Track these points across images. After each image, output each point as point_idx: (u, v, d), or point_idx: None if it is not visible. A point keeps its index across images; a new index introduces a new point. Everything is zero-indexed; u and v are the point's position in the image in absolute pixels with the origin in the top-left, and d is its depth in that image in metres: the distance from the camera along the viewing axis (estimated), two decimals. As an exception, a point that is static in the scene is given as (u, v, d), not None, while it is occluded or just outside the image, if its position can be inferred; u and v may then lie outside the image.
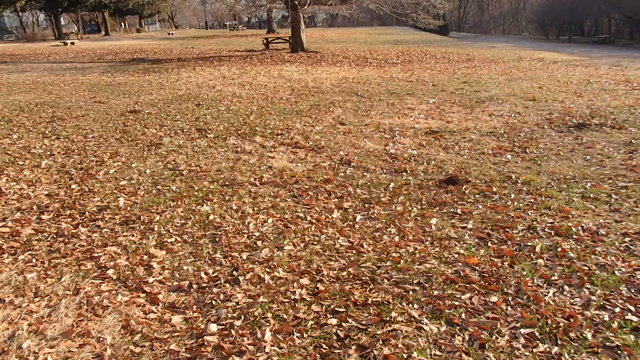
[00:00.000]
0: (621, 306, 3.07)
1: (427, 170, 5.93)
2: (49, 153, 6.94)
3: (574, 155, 6.48)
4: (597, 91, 12.06)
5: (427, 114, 9.52)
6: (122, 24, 73.99)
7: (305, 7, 25.15)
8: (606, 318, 2.96)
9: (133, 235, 4.22)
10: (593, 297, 3.18)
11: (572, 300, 3.16)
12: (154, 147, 7.13)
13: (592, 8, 53.28)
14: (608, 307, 3.07)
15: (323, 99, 11.23)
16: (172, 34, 59.22)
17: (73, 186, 5.51)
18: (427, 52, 25.38)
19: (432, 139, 7.45)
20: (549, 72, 16.53)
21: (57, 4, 43.59)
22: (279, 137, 7.69)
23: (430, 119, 9.01)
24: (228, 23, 74.83)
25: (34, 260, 3.79)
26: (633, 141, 7.07)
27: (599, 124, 8.24)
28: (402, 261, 3.70)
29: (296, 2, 24.17)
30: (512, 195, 5.03)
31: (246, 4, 30.36)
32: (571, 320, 2.93)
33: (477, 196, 5.05)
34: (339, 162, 6.35)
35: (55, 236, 4.23)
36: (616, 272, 3.49)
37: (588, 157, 6.40)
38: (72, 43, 37.56)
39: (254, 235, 4.21)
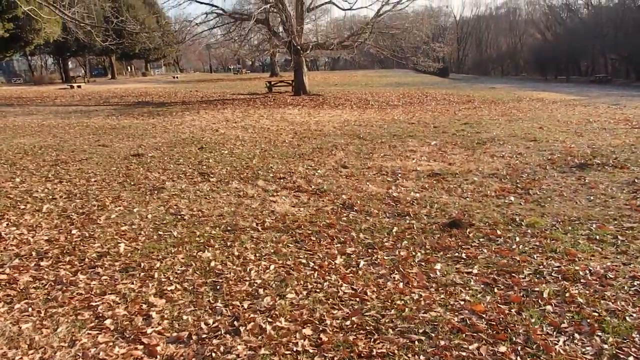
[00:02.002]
0: (635, 355, 2.97)
1: (430, 214, 5.88)
2: (50, 197, 6.93)
3: (578, 196, 6.43)
4: (598, 130, 12.09)
5: (429, 156, 9.52)
6: (129, 67, 75.29)
7: (308, 52, 25.55)
8: (619, 369, 2.86)
9: (132, 283, 4.15)
10: (605, 346, 3.08)
11: (583, 350, 3.06)
12: (156, 191, 7.11)
13: (589, 48, 54.12)
14: (621, 356, 2.98)
15: (325, 142, 11.27)
16: (177, 77, 60.17)
17: (74, 231, 5.47)
18: (427, 94, 25.64)
19: (435, 182, 7.42)
20: (548, 112, 16.64)
21: (66, 48, 44.41)
22: (282, 180, 7.68)
23: (432, 161, 9.00)
24: (232, 67, 76.15)
25: (30, 309, 3.72)
26: (636, 180, 7.03)
27: (601, 163, 8.22)
28: (407, 309, 3.62)
29: (299, 47, 24.57)
30: (517, 239, 4.96)
31: (250, 48, 30.86)
32: (582, 371, 2.84)
33: (481, 240, 4.99)
34: (341, 206, 6.30)
35: (53, 284, 4.16)
36: (627, 318, 3.40)
37: (592, 197, 6.35)
38: (79, 86, 38.14)
39: (256, 282, 4.14)
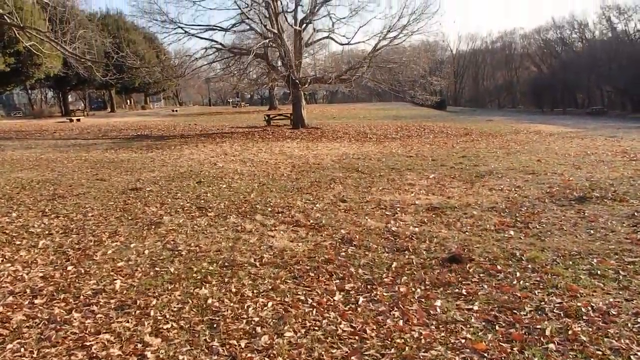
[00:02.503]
0: (640, 397, 2.91)
1: (429, 249, 5.83)
2: (47, 232, 6.87)
3: (578, 230, 6.40)
4: (595, 163, 12.14)
5: (427, 189, 9.51)
6: (128, 100, 75.76)
7: (306, 86, 25.80)
8: (625, 411, 2.79)
9: (128, 322, 4.08)
10: (609, 387, 3.02)
11: (587, 391, 2.99)
12: (153, 226, 7.07)
13: (584, 81, 54.79)
14: (626, 398, 2.91)
15: (324, 176, 11.27)
16: (176, 110, 60.55)
17: (69, 267, 5.41)
18: (425, 127, 25.80)
19: (434, 216, 7.39)
20: (546, 144, 16.72)
21: (66, 82, 44.78)
22: (280, 215, 7.64)
23: (431, 195, 8.99)
24: (231, 100, 76.71)
25: (22, 349, 3.64)
26: (636, 214, 7.01)
27: (600, 196, 8.21)
28: (407, 348, 3.55)
29: (297, 81, 24.81)
30: (518, 274, 4.91)
31: (249, 82, 31.18)
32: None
33: (481, 275, 4.94)
34: (340, 240, 6.26)
35: (47, 322, 4.09)
36: (632, 357, 3.34)
37: (592, 231, 6.32)
38: (78, 120, 38.33)
39: (254, 320, 4.07)
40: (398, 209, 7.88)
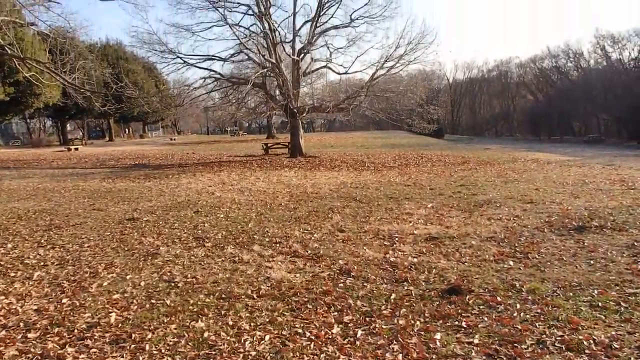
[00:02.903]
0: None
1: (428, 280, 5.78)
2: (42, 264, 6.81)
3: (577, 260, 6.35)
4: (594, 192, 12.13)
5: (425, 218, 9.48)
6: (127, 129, 76.13)
7: (304, 115, 25.94)
8: None
9: (123, 356, 4.01)
10: None
11: None
12: (150, 257, 7.01)
13: (580, 109, 55.15)
14: None
15: (322, 205, 11.24)
16: (175, 139, 60.79)
17: (64, 300, 5.34)
18: (423, 156, 25.87)
19: (432, 246, 7.34)
20: (544, 173, 16.74)
21: (65, 111, 45.01)
22: (278, 245, 7.59)
23: (430, 224, 8.95)
24: (229, 128, 77.03)
25: (15, 386, 3.57)
26: (636, 243, 6.97)
27: (599, 226, 8.18)
28: (406, 383, 3.48)
29: (295, 110, 24.97)
30: (518, 306, 4.86)
31: (247, 111, 31.36)
32: None
33: (481, 307, 4.88)
34: (338, 271, 6.20)
35: (40, 357, 4.02)
36: (635, 393, 3.28)
37: (592, 261, 6.28)
38: (76, 149, 38.39)
39: (251, 354, 4.00)
40: (396, 239, 7.84)
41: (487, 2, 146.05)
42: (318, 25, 26.58)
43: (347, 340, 4.25)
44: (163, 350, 4.09)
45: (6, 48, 15.99)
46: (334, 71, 28.96)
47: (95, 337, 4.37)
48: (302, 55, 26.94)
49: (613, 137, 51.80)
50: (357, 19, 26.23)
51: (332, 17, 26.72)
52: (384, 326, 4.50)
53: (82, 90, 18.09)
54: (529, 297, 5.07)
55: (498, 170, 18.08)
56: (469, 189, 13.29)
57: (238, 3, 25.46)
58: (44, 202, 12.59)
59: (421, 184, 14.52)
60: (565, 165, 19.28)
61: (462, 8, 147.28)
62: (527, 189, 12.95)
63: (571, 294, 5.14)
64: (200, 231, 8.75)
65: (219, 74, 26.01)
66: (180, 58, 24.10)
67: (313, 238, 8.02)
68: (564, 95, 56.69)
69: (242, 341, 4.24)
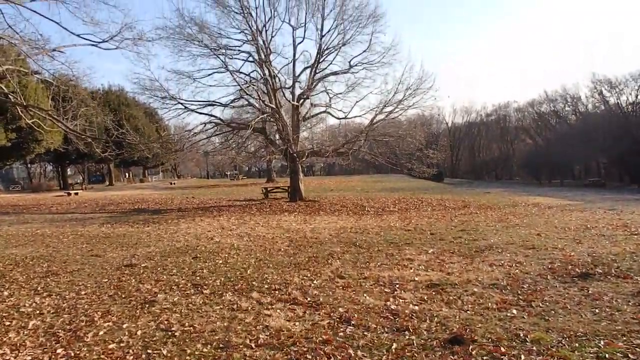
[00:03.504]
0: None
1: (430, 329, 5.67)
2: (38, 312, 6.70)
3: (582, 309, 6.25)
4: (596, 237, 12.06)
5: (426, 265, 9.39)
6: (127, 173, 76.40)
7: (304, 159, 26.06)
8: None
9: (116, 411, 3.89)
10: None
11: None
12: (147, 305, 6.90)
13: (580, 152, 55.41)
14: None
15: (321, 250, 11.15)
16: (174, 183, 60.93)
17: (59, 350, 5.23)
18: (423, 200, 25.86)
19: (434, 293, 7.24)
20: (545, 217, 16.69)
21: (66, 157, 45.24)
22: (277, 292, 7.49)
23: (431, 271, 8.86)
24: (229, 172, 77.35)
25: None
26: (641, 292, 6.88)
27: (603, 273, 8.09)
28: None
29: (295, 155, 25.09)
30: (522, 357, 4.75)
31: (247, 155, 31.53)
32: None
33: (485, 358, 4.77)
34: (338, 319, 6.10)
35: (32, 412, 3.90)
36: None
37: (597, 310, 6.18)
38: (76, 193, 38.40)
39: (248, 409, 3.89)
40: (397, 285, 7.74)
41: (484, 48, 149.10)
42: (317, 71, 27.00)
43: (348, 393, 4.14)
44: (158, 405, 3.98)
45: (10, 96, 16.18)
46: (333, 116, 29.29)
47: (89, 391, 4.26)
48: (302, 100, 27.26)
49: (614, 181, 51.90)
50: (356, 65, 26.67)
51: (331, 63, 27.12)
52: (385, 378, 4.39)
53: (83, 136, 18.21)
54: (534, 348, 4.97)
55: (499, 214, 18.03)
56: (469, 234, 13.22)
57: (239, 50, 25.96)
58: (42, 248, 12.51)
59: (422, 229, 14.45)
60: (567, 210, 19.24)
61: (459, 53, 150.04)
62: (529, 234, 12.88)
63: (577, 344, 5.04)
64: (198, 277, 8.65)
65: (220, 119, 26.25)
66: (182, 104, 24.37)
67: (313, 285, 7.93)
68: (563, 139, 57.14)
69: (240, 394, 4.13)
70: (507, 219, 16.40)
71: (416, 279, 8.21)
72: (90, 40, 16.58)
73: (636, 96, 55.41)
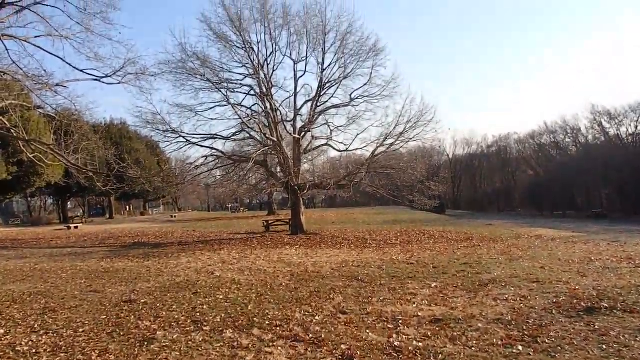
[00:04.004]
0: None
1: (435, 367, 5.54)
2: (34, 351, 6.58)
3: (589, 345, 6.13)
4: (601, 270, 11.92)
5: (430, 299, 9.26)
6: (127, 207, 76.36)
7: (305, 192, 26.04)
8: None
9: None
10: None
11: None
12: (146, 343, 6.77)
13: (582, 183, 55.29)
14: None
15: (323, 285, 11.02)
16: (175, 216, 60.85)
17: (54, 392, 5.10)
18: (425, 232, 25.74)
19: (437, 329, 7.11)
20: (548, 250, 16.56)
21: (66, 190, 45.25)
22: (278, 329, 7.36)
23: (434, 305, 8.73)
24: (230, 205, 77.26)
25: None
26: (648, 327, 6.75)
27: (609, 307, 7.96)
28: None
29: (296, 187, 25.07)
30: (531, 396, 4.62)
31: (248, 188, 31.51)
32: None
33: (492, 397, 4.64)
34: (340, 357, 5.97)
35: None
36: None
37: (604, 346, 6.05)
38: (76, 227, 38.26)
39: None
40: (400, 321, 7.61)
41: (483, 80, 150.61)
42: (319, 104, 27.19)
43: None
44: None
45: (12, 130, 16.26)
46: (334, 148, 29.33)
47: None
48: (303, 133, 27.39)
49: (617, 212, 51.60)
50: (356, 98, 26.85)
51: (332, 96, 27.32)
52: (390, 420, 4.26)
53: (84, 170, 18.22)
54: (542, 386, 4.84)
55: (502, 247, 17.90)
56: (473, 267, 13.08)
57: (240, 84, 26.21)
58: (40, 283, 12.37)
59: (424, 262, 14.32)
60: (570, 242, 19.10)
61: (460, 85, 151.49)
62: (533, 267, 12.74)
63: (585, 382, 4.91)
64: (198, 314, 8.52)
65: (221, 152, 26.36)
66: (183, 137, 24.52)
67: (314, 320, 7.80)
68: (564, 170, 57.06)
69: None
70: (510, 252, 16.26)
71: (419, 314, 8.08)
72: (94, 75, 16.80)
73: (636, 127, 55.58)
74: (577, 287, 9.81)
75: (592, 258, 14.07)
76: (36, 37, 15.84)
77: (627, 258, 13.87)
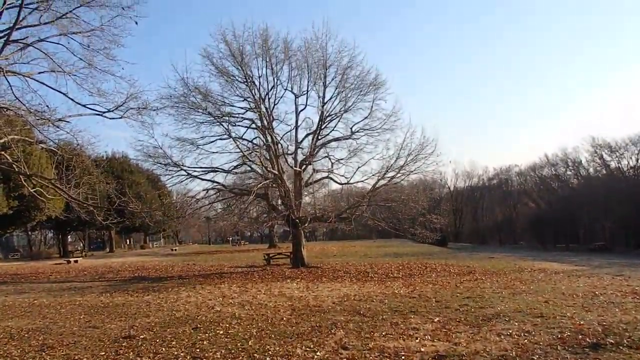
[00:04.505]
0: None
1: (439, 405, 5.43)
2: (30, 390, 6.45)
3: (596, 382, 6.01)
4: (605, 305, 11.78)
5: (432, 334, 9.13)
6: (128, 240, 76.09)
7: (306, 225, 25.96)
8: None
9: None
10: None
11: None
12: (144, 381, 6.65)
13: (584, 216, 55.18)
14: None
15: (324, 319, 10.88)
16: (176, 249, 60.55)
17: None
18: (427, 265, 25.56)
19: (442, 365, 6.99)
20: (552, 284, 16.40)
21: (67, 224, 45.14)
22: (279, 366, 7.24)
23: (437, 340, 8.60)
24: (230, 238, 76.95)
25: None
26: (656, 363, 6.63)
27: (615, 343, 7.85)
28: None
29: (297, 220, 25.00)
30: None
31: (249, 220, 31.42)
32: None
33: None
34: (343, 395, 5.85)
35: None
36: None
37: (611, 383, 5.93)
38: (76, 261, 38.03)
39: None
40: (403, 357, 7.51)
41: (483, 113, 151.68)
42: (319, 137, 27.32)
43: None
44: None
45: (14, 165, 16.29)
46: (335, 181, 29.33)
47: None
48: (304, 166, 27.45)
49: (620, 245, 51.35)
50: (357, 131, 26.99)
51: (333, 129, 27.50)
52: None
53: (85, 205, 18.19)
54: None
55: (505, 281, 17.73)
56: (475, 301, 12.93)
57: (242, 118, 26.40)
58: (38, 319, 12.23)
59: (426, 296, 14.17)
60: (574, 276, 18.93)
61: (459, 118, 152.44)
62: (536, 301, 12.60)
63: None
64: (198, 350, 8.40)
65: (222, 185, 26.39)
66: (184, 170, 24.60)
67: (316, 356, 7.69)
68: (566, 203, 57.06)
69: None
70: (514, 285, 16.10)
71: (422, 349, 7.96)
72: (96, 110, 16.89)
73: (637, 160, 55.77)
74: (581, 322, 9.68)
75: (597, 292, 13.92)
76: (40, 73, 16.02)
77: (632, 292, 13.72)
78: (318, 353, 7.92)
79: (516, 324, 9.78)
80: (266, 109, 26.20)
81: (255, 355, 7.89)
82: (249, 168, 27.67)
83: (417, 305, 12.62)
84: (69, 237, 59.74)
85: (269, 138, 25.99)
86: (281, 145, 27.05)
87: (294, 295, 15.40)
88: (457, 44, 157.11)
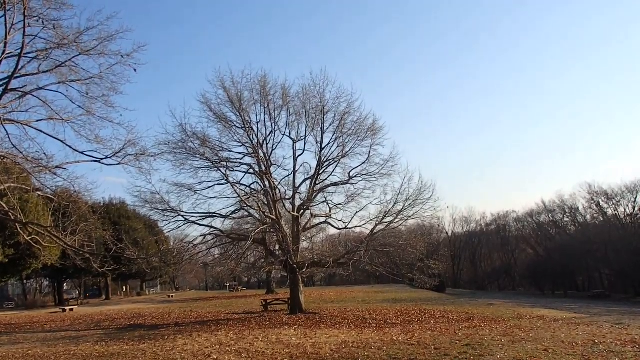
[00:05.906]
0: None
1: None
2: None
3: None
4: (605, 354, 11.63)
5: (433, 382, 8.98)
6: (124, 287, 75.23)
7: (304, 270, 25.79)
8: None
9: None
10: None
11: None
12: None
13: (582, 263, 54.98)
14: None
15: (323, 368, 10.72)
16: (172, 296, 59.87)
17: None
18: (425, 311, 25.30)
19: (442, 415, 6.86)
20: (551, 331, 16.21)
21: (63, 271, 44.74)
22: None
23: (438, 389, 8.46)
24: (228, 284, 76.16)
25: None
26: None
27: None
28: None
29: (295, 266, 24.85)
30: None
31: (246, 266, 31.20)
32: None
33: None
34: None
35: None
36: None
37: None
38: (71, 309, 37.61)
39: None
40: (403, 407, 7.36)
41: (480, 160, 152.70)
42: (317, 182, 27.42)
43: None
44: None
45: (10, 213, 16.25)
46: (333, 226, 29.26)
47: None
48: (302, 211, 27.47)
49: (618, 293, 51.02)
50: (355, 176, 27.12)
51: (331, 174, 27.69)
52: None
53: (81, 252, 18.06)
54: None
55: (504, 328, 17.51)
56: (475, 348, 12.75)
57: (240, 163, 26.59)
58: (32, 369, 12.03)
59: (425, 343, 13.98)
60: (573, 324, 18.71)
61: (456, 163, 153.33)
62: (536, 349, 12.43)
63: None
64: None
65: (220, 230, 26.34)
66: (182, 216, 24.57)
67: (314, 408, 7.54)
68: (564, 249, 56.90)
69: None
70: (513, 333, 15.90)
71: (422, 399, 7.82)
72: (94, 157, 16.92)
73: (633, 208, 55.97)
74: (582, 373, 9.55)
75: (596, 341, 13.73)
76: (37, 120, 16.09)
77: (632, 341, 13.55)
78: (316, 403, 7.77)
79: (517, 371, 9.65)
80: (264, 154, 26.40)
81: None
82: (246, 213, 27.62)
83: (416, 352, 12.44)
84: (64, 284, 59.09)
85: (266, 183, 26.10)
86: (279, 190, 27.15)
87: (291, 342, 15.19)
88: (459, 97, 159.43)
